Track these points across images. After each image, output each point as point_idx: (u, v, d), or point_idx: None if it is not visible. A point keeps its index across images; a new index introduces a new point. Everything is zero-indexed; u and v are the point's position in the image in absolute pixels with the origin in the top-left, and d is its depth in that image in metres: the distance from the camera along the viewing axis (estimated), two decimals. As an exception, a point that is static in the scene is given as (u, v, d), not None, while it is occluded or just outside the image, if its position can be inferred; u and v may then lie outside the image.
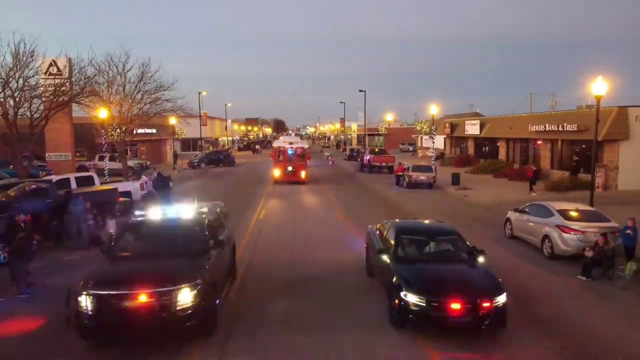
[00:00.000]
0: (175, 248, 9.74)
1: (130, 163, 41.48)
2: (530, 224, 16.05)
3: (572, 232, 14.10)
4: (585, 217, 14.73)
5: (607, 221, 14.49)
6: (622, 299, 11.58)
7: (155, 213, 10.95)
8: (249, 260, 14.45)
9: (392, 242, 10.98)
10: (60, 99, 25.81)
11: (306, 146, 36.01)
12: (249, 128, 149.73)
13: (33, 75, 24.97)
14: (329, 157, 59.77)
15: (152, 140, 55.61)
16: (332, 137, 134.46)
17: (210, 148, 73.20)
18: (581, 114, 31.99)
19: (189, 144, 70.44)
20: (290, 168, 33.71)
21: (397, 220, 13.45)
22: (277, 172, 34.12)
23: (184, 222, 10.53)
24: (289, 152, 34.59)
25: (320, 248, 15.95)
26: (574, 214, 14.87)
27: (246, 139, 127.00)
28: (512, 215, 17.51)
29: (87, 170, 41.96)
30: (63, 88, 26.20)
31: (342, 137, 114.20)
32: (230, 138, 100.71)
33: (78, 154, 44.73)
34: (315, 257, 14.78)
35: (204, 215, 10.82)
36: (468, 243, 11.18)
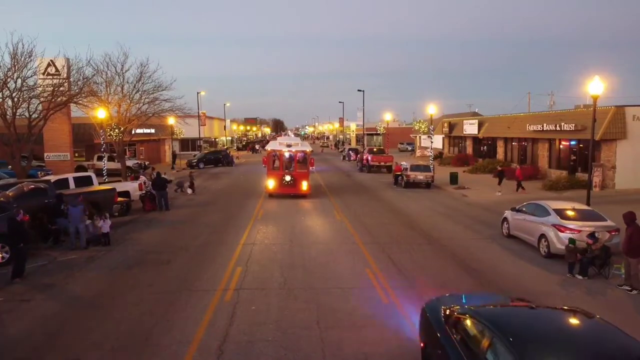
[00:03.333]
0: None
1: (128, 163, 41.52)
2: (527, 223, 16.13)
3: (568, 231, 14.17)
4: (582, 216, 14.82)
5: (603, 220, 14.59)
6: (617, 297, 11.64)
7: None
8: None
9: None
10: (59, 99, 25.83)
11: (308, 149, 28.53)
12: (248, 128, 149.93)
13: (31, 76, 25.00)
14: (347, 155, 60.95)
15: (150, 141, 55.60)
16: (330, 136, 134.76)
17: (209, 147, 73.21)
18: (579, 114, 32.09)
19: (187, 144, 70.45)
20: (287, 178, 27.02)
21: (493, 307, 7.00)
22: (271, 183, 27.20)
23: None
24: (286, 156, 27.79)
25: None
26: (570, 213, 14.95)
27: (245, 138, 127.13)
28: (509, 214, 17.59)
29: (86, 170, 42.24)
30: (62, 88, 26.22)
31: (342, 136, 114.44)
32: (229, 138, 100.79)
33: (76, 154, 44.83)
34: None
35: None
36: None
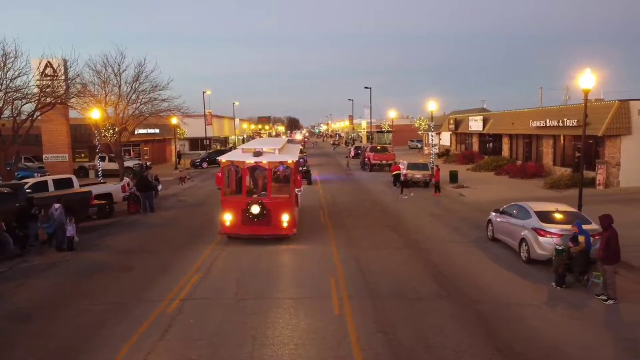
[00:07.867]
0: None
1: (130, 163, 41.42)
2: (509, 225, 15.24)
3: (548, 236, 13.28)
4: (564, 219, 13.87)
5: (587, 223, 13.59)
6: (595, 309, 10.72)
7: None
8: None
9: None
10: (47, 99, 25.55)
11: (291, 159, 16.73)
12: (260, 126, 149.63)
13: (18, 76, 24.75)
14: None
15: (155, 141, 55.63)
16: (342, 134, 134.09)
17: (218, 146, 73.20)
18: (582, 109, 30.70)
19: (197, 143, 70.45)
20: (255, 209, 16.03)
21: None
22: (228, 217, 16.34)
23: None
24: (253, 172, 17.77)
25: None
26: (552, 215, 14.03)
27: (257, 136, 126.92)
28: (493, 216, 16.70)
29: (87, 171, 42.41)
30: (48, 89, 25.94)
31: (352, 134, 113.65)
32: (240, 137, 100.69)
33: (82, 155, 45.09)
34: None
35: None
36: None
